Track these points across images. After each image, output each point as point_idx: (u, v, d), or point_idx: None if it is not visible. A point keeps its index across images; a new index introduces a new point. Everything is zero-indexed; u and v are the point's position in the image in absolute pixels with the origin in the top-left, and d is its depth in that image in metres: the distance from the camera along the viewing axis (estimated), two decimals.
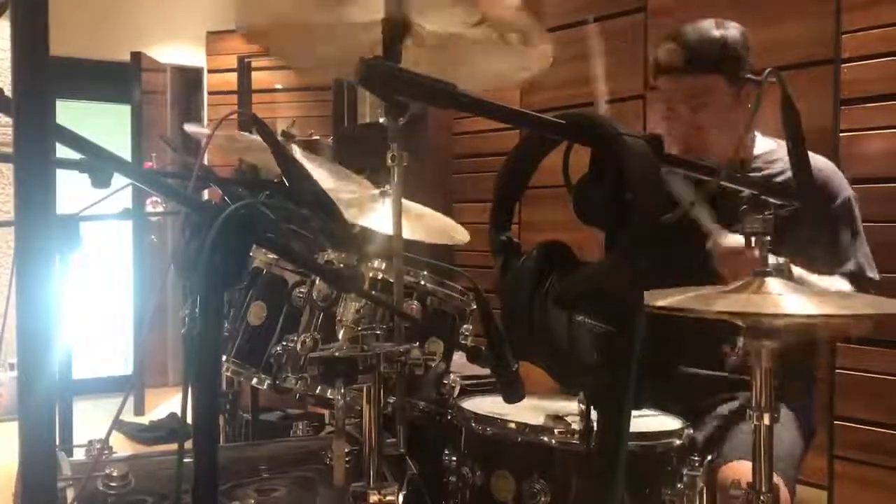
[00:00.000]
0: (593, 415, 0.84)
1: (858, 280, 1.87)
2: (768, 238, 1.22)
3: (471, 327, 1.74)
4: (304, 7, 1.59)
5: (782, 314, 1.20)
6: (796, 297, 1.21)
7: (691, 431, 1.49)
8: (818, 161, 1.85)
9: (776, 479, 1.26)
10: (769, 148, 1.96)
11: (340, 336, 1.60)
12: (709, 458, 1.52)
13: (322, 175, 2.54)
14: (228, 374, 1.90)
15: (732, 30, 1.89)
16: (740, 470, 1.64)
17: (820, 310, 1.22)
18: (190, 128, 2.81)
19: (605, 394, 0.82)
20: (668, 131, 1.95)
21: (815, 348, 2.07)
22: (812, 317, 1.21)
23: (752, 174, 1.89)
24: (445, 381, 1.68)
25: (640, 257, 0.79)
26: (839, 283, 1.83)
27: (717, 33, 1.88)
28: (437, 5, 1.56)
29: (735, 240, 1.61)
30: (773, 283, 1.23)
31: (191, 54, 6.24)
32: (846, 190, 1.90)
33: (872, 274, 1.89)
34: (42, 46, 0.63)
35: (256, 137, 2.24)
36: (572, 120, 0.87)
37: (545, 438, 1.39)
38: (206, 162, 1.16)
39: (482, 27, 1.56)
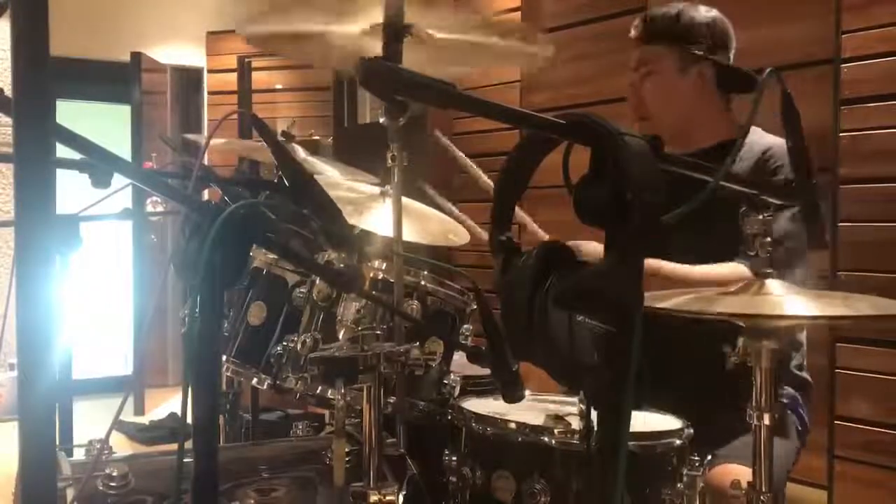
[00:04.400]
0: (593, 415, 0.84)
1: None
2: (768, 240, 1.22)
3: (471, 327, 1.74)
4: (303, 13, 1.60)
5: (783, 315, 1.20)
6: (797, 298, 1.21)
7: (691, 431, 1.49)
8: (775, 141, 1.84)
9: None
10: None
11: (340, 336, 1.60)
12: (709, 457, 1.52)
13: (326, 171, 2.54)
14: (228, 374, 1.90)
15: (700, 10, 1.95)
16: (731, 472, 1.64)
17: (821, 311, 1.22)
18: (190, 136, 2.83)
19: (605, 394, 0.82)
20: (628, 101, 2.04)
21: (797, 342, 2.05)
22: (812, 318, 1.21)
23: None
24: (445, 381, 1.68)
25: (640, 257, 0.79)
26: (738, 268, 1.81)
27: (675, 9, 1.95)
28: (439, 10, 1.57)
29: None
30: (774, 285, 1.23)
31: (191, 54, 6.24)
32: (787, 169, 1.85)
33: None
34: (42, 46, 0.63)
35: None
36: (572, 120, 0.87)
37: (545, 438, 1.39)
38: (206, 162, 1.16)
39: (483, 32, 1.56)
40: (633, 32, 1.99)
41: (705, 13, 1.95)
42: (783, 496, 1.76)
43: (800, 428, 1.96)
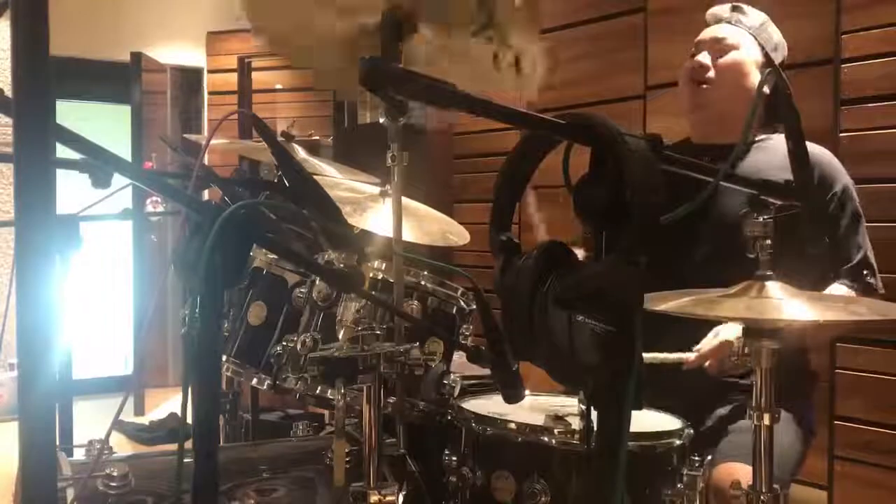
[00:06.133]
0: (593, 415, 0.84)
1: (862, 269, 1.87)
2: (769, 242, 1.22)
3: (471, 327, 1.74)
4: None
5: (783, 319, 1.20)
6: (796, 301, 1.21)
7: (691, 431, 1.49)
8: (813, 150, 1.85)
9: None
10: (763, 136, 1.96)
11: (340, 336, 1.60)
12: (708, 458, 1.52)
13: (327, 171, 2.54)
14: (228, 374, 1.89)
15: (776, 27, 2.01)
16: (734, 470, 1.64)
17: (820, 315, 1.22)
18: (190, 136, 2.82)
19: (605, 394, 0.82)
20: (684, 66, 2.02)
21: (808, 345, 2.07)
22: (813, 322, 1.21)
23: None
24: (445, 381, 1.68)
25: (639, 257, 0.79)
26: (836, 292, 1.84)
27: (763, 15, 2.00)
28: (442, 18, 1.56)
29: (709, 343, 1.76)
30: (774, 288, 1.23)
31: (191, 54, 6.24)
32: (842, 179, 1.90)
33: (874, 280, 1.88)
34: (42, 46, 0.63)
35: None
36: (572, 120, 0.87)
37: (545, 438, 1.39)
38: (206, 162, 1.16)
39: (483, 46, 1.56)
40: (712, 14, 2.01)
41: (779, 32, 2.00)
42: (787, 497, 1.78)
43: (806, 433, 1.96)
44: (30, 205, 0.63)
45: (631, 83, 3.46)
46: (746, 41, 1.96)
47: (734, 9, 2.00)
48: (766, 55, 1.95)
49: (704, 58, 1.97)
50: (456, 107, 0.87)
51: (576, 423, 1.38)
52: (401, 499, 1.27)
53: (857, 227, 1.89)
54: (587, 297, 0.83)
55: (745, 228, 1.23)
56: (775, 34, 1.99)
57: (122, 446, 4.43)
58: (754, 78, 1.94)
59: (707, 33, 2.00)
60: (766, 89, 1.74)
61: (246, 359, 1.86)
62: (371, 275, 1.65)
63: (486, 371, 1.16)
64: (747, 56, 1.95)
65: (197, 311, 0.87)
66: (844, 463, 2.64)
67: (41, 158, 0.63)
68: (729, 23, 1.99)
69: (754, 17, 1.99)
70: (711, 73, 1.95)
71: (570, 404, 1.55)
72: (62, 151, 0.87)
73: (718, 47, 1.96)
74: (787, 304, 1.20)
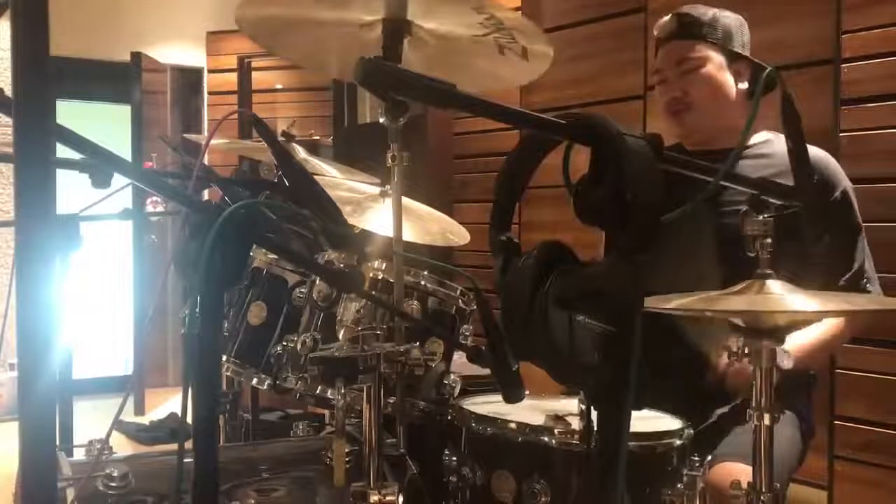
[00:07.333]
0: (593, 415, 0.84)
1: (860, 278, 1.87)
2: (769, 240, 1.22)
3: (471, 327, 1.74)
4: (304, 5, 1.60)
5: (785, 311, 1.20)
6: (798, 296, 1.21)
7: (691, 431, 1.49)
8: (814, 153, 1.83)
9: None
10: (764, 139, 1.96)
11: (340, 336, 1.60)
12: (708, 458, 1.52)
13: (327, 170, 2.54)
14: (228, 374, 1.89)
15: (727, 13, 1.96)
16: (731, 471, 1.64)
17: (822, 307, 1.22)
18: (190, 136, 2.83)
19: (605, 394, 0.82)
20: (658, 97, 2.03)
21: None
22: (814, 314, 1.21)
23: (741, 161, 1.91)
24: (445, 381, 1.68)
25: (640, 257, 0.79)
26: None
27: (709, 9, 1.95)
28: (439, 7, 1.57)
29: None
30: (774, 285, 1.23)
31: (191, 54, 6.24)
32: (842, 182, 1.89)
33: (873, 287, 1.89)
34: (42, 46, 0.63)
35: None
36: (572, 120, 0.87)
37: (545, 438, 1.39)
38: (206, 162, 1.16)
39: (483, 36, 1.56)
40: (660, 31, 1.98)
41: (731, 15, 1.96)
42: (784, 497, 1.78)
43: (806, 432, 1.96)
44: (30, 205, 0.63)
45: (631, 83, 3.46)
46: (706, 51, 1.93)
47: (681, 18, 1.94)
48: (728, 51, 1.93)
49: (674, 87, 1.96)
50: (456, 107, 0.87)
51: (576, 423, 1.38)
52: (401, 499, 1.27)
53: (855, 235, 1.89)
54: (587, 297, 0.83)
55: (745, 227, 1.23)
56: (728, 21, 1.95)
57: (122, 446, 4.43)
58: (728, 82, 1.93)
59: (666, 57, 1.97)
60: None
61: (246, 359, 1.86)
62: (371, 275, 1.65)
63: (486, 371, 1.16)
64: (714, 67, 1.93)
65: (197, 311, 0.87)
66: (844, 463, 2.64)
67: (41, 158, 0.63)
68: (679, 36, 1.94)
69: (701, 15, 1.94)
70: (689, 98, 1.94)
71: (570, 404, 1.54)
72: (62, 151, 0.87)
73: (682, 68, 1.94)
74: (788, 299, 1.20)
